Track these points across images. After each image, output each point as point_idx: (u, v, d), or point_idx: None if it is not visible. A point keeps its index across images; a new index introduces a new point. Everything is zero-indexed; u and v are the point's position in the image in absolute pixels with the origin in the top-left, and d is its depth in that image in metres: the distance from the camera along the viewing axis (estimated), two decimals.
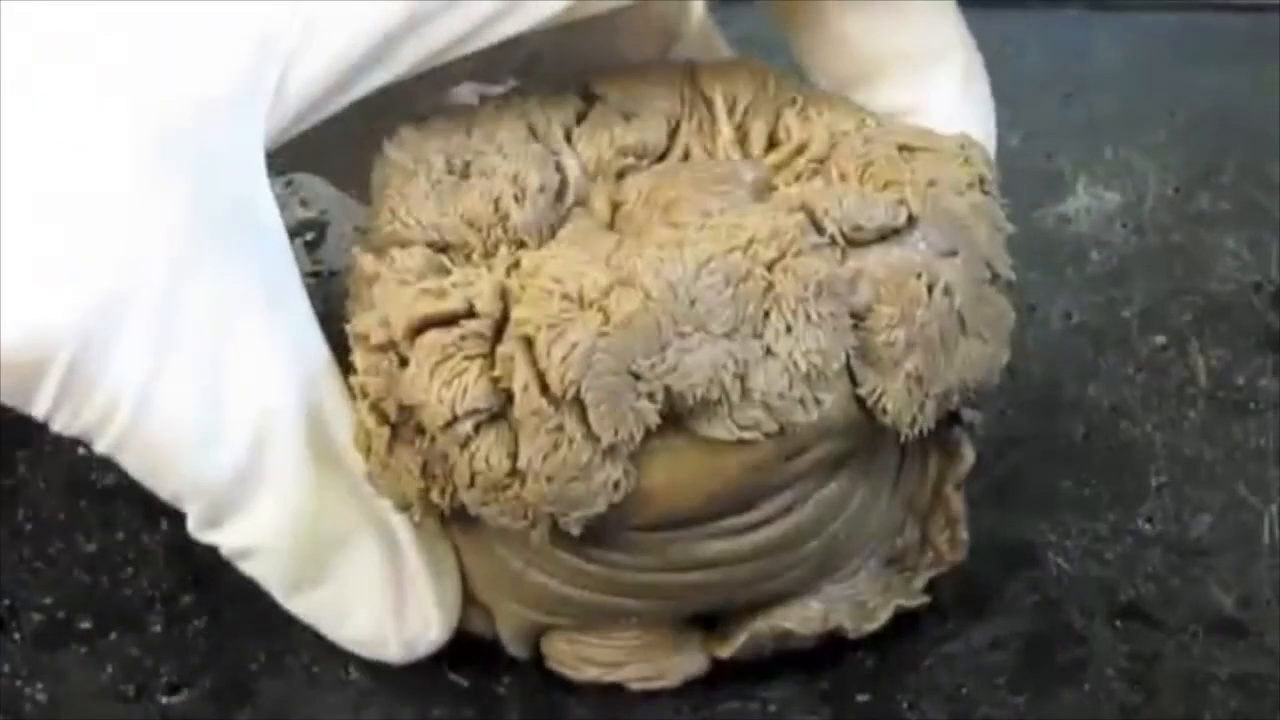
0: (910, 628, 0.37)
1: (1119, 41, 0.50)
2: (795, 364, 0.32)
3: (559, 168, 0.36)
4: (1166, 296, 0.44)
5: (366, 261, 0.35)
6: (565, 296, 0.31)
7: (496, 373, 0.31)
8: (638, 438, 0.31)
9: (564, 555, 0.34)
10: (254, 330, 0.33)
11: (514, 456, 0.31)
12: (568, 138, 0.36)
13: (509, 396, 0.31)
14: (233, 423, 0.33)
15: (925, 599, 0.37)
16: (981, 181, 0.35)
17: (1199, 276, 0.44)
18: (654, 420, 0.31)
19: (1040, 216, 0.46)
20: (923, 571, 0.37)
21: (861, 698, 0.36)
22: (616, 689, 0.36)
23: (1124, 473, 0.40)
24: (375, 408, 0.33)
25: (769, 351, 0.32)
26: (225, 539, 0.34)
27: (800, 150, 0.36)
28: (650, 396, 0.31)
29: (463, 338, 0.32)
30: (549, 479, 0.31)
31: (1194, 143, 0.47)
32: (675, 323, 0.31)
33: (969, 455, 0.36)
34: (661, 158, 0.37)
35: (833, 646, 0.37)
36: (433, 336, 0.32)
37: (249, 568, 0.35)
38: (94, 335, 0.31)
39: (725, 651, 0.36)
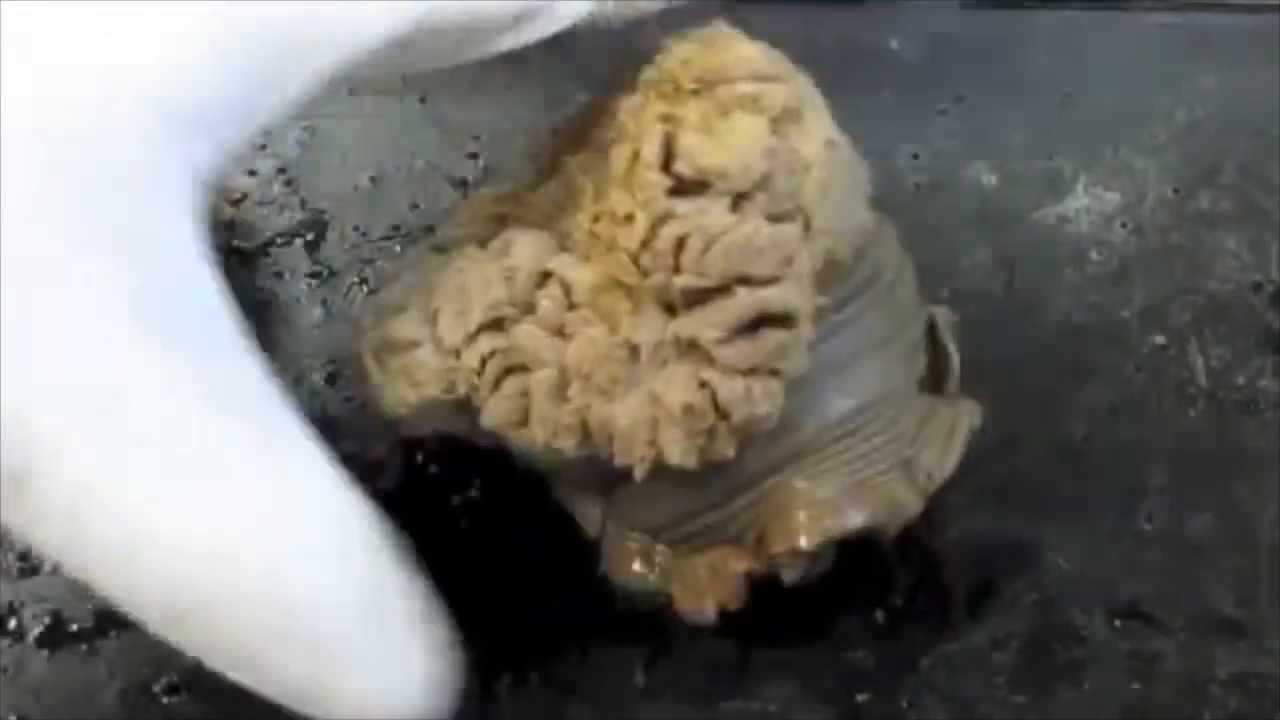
0: (910, 628, 0.37)
1: (1119, 41, 0.50)
2: None
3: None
4: (1166, 296, 0.44)
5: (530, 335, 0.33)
6: None
7: None
8: None
9: None
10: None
11: None
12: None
13: None
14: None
15: None
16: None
17: (1199, 276, 0.44)
18: None
19: (1040, 216, 0.46)
20: None
21: (861, 698, 0.36)
22: (615, 690, 0.36)
23: (1124, 473, 0.40)
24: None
25: None
26: None
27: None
28: None
29: None
30: None
31: (1194, 143, 0.47)
32: None
33: None
34: None
35: (833, 646, 0.37)
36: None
37: None
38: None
39: None
